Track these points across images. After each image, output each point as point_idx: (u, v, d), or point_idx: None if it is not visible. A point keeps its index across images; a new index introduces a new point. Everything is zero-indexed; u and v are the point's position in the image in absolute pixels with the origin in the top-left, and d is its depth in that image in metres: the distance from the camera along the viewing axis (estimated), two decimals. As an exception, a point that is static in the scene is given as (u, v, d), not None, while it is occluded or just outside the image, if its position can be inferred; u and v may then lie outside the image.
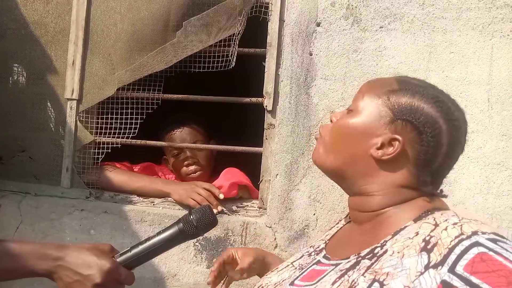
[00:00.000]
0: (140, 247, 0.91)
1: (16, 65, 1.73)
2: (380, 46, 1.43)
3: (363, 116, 0.83)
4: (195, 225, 0.91)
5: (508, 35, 1.36)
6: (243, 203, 1.59)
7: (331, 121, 0.89)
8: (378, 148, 0.81)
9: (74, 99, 1.64)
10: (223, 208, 1.55)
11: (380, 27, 1.44)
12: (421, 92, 0.81)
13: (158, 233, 0.92)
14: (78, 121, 1.65)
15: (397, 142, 0.79)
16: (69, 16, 1.64)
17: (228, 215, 1.55)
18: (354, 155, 0.83)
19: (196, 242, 1.53)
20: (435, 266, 0.65)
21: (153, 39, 1.59)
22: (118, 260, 0.90)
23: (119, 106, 1.63)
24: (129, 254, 0.91)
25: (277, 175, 1.50)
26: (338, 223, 1.05)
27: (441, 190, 0.85)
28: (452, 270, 0.64)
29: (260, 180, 1.55)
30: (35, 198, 1.65)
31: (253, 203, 1.58)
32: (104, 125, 1.65)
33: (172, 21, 1.58)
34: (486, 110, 1.36)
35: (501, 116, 1.35)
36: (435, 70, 1.39)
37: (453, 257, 0.65)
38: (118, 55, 1.61)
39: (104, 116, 1.65)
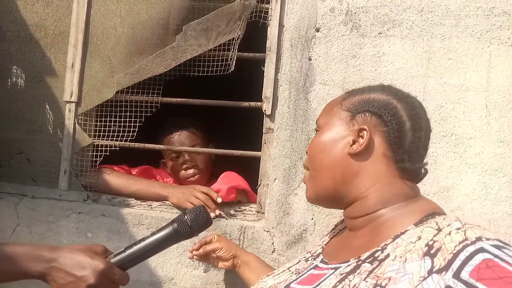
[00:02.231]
0: (135, 248, 0.91)
1: (15, 67, 1.73)
2: (379, 52, 1.44)
3: (326, 129, 0.91)
4: (190, 225, 0.92)
5: (506, 42, 1.37)
6: (241, 207, 1.59)
7: (307, 153, 0.96)
8: (351, 145, 0.86)
9: (73, 102, 1.64)
10: (221, 212, 1.55)
11: (379, 33, 1.44)
12: (368, 88, 0.93)
13: (153, 234, 0.92)
14: (76, 124, 1.65)
15: (364, 131, 0.85)
16: (69, 19, 1.65)
17: (226, 219, 1.55)
18: (334, 163, 0.88)
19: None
20: (439, 271, 0.65)
21: (152, 43, 1.59)
22: (112, 260, 0.89)
23: (118, 109, 1.63)
24: (123, 254, 0.90)
25: (275, 179, 1.50)
26: (334, 228, 1.05)
27: (425, 165, 0.89)
28: (457, 276, 0.63)
29: (258, 184, 1.55)
30: (33, 200, 1.64)
31: (251, 207, 1.58)
32: (102, 128, 1.64)
33: (171, 25, 1.58)
34: (484, 117, 1.37)
35: (499, 122, 1.36)
36: (433, 76, 1.40)
37: (457, 262, 0.64)
38: (117, 58, 1.61)
39: (103, 119, 1.65)
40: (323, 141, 0.90)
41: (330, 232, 1.05)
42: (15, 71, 1.73)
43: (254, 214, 1.56)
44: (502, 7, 1.37)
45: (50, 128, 1.70)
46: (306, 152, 0.96)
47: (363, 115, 0.87)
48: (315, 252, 0.96)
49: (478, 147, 1.37)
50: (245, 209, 1.58)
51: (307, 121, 1.49)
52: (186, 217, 0.92)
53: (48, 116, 1.70)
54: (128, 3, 1.61)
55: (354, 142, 0.86)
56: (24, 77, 1.72)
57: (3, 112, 1.70)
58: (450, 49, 1.40)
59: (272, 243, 1.48)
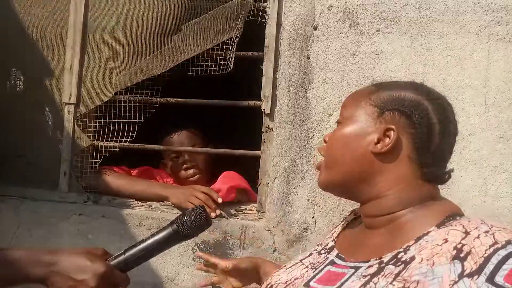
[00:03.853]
0: (134, 250, 0.90)
1: (13, 69, 1.73)
2: (377, 49, 1.44)
3: (351, 122, 0.87)
4: (189, 226, 0.91)
5: (504, 38, 1.36)
6: (242, 206, 1.59)
7: (325, 142, 0.92)
8: (376, 143, 0.83)
9: (72, 103, 1.64)
10: (221, 211, 1.55)
11: (377, 30, 1.44)
12: (399, 85, 0.88)
13: (152, 235, 0.92)
14: (76, 125, 1.65)
15: (391, 131, 0.82)
16: (66, 20, 1.65)
17: (227, 218, 1.55)
18: (355, 158, 0.85)
19: (194, 246, 1.52)
20: (471, 275, 0.64)
21: (150, 43, 1.59)
22: (112, 263, 0.89)
23: (117, 110, 1.63)
24: (123, 256, 0.90)
25: (275, 178, 1.50)
26: (343, 220, 1.04)
27: (451, 170, 0.86)
28: (491, 280, 0.63)
29: (259, 183, 1.55)
30: (33, 203, 1.64)
31: (251, 207, 1.58)
32: (102, 129, 1.65)
33: (169, 25, 1.58)
34: (483, 113, 1.37)
35: (498, 118, 1.36)
36: (432, 73, 1.40)
37: (490, 266, 0.64)
38: (115, 59, 1.61)
39: (102, 120, 1.65)
40: (346, 135, 0.86)
41: (339, 224, 1.04)
42: (13, 73, 1.73)
43: (255, 213, 1.56)
44: (500, 3, 1.36)
45: (49, 130, 1.70)
46: (324, 140, 0.92)
47: (391, 114, 0.83)
48: (327, 245, 0.95)
49: (477, 143, 1.37)
50: (246, 209, 1.58)
51: (307, 120, 1.48)
52: (185, 218, 0.92)
53: (48, 118, 1.70)
54: (125, 4, 1.60)
55: (379, 140, 0.82)
56: (22, 80, 1.72)
57: (3, 114, 1.70)
58: (449, 45, 1.39)
59: (273, 242, 1.49)
